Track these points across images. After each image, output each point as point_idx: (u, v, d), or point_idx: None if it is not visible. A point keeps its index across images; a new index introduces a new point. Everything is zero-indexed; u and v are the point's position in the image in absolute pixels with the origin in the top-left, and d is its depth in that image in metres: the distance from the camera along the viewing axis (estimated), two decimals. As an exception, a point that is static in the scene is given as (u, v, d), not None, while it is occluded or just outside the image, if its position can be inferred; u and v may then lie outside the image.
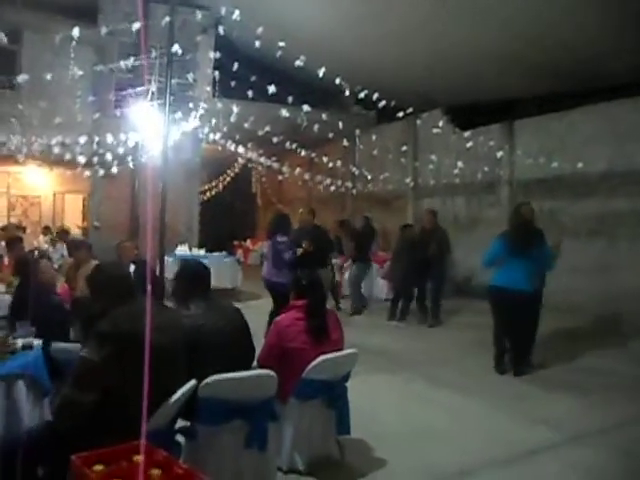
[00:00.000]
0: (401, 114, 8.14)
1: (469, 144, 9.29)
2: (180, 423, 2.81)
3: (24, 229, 11.54)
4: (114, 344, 2.31)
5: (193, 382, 2.59)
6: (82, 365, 2.33)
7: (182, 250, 10.39)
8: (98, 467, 1.80)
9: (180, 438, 2.76)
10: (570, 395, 4.92)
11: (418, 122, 10.51)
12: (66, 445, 2.18)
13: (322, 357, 3.08)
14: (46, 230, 12.32)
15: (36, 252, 8.06)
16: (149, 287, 1.75)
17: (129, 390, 2.28)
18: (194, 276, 3.12)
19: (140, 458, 1.85)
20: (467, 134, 9.66)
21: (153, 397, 1.74)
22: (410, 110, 8.39)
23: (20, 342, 3.05)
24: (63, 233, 11.02)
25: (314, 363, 3.06)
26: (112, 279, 2.62)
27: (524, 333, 5.53)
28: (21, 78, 6.75)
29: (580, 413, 4.52)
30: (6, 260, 5.92)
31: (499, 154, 9.65)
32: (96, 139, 9.12)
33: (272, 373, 2.86)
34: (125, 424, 2.19)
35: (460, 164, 9.49)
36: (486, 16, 8.31)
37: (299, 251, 6.41)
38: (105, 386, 2.31)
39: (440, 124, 9.60)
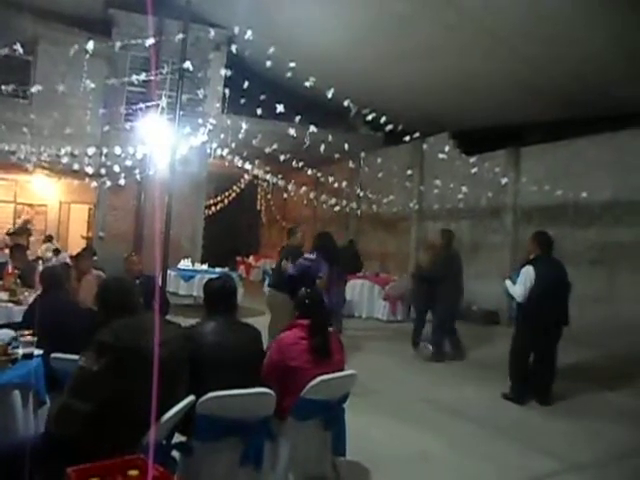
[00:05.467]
0: (408, 138, 8.17)
1: (474, 169, 9.30)
2: (176, 438, 2.80)
3: (30, 232, 11.66)
4: (112, 355, 2.30)
5: (191, 398, 2.59)
6: (80, 374, 2.33)
7: (185, 265, 10.38)
8: (93, 480, 1.79)
9: (176, 453, 2.75)
10: (571, 425, 4.89)
11: (424, 146, 10.57)
12: (61, 456, 2.17)
13: (320, 377, 3.07)
14: (48, 239, 12.37)
15: (40, 261, 8.11)
16: (156, 303, 1.76)
17: (126, 402, 2.28)
18: (216, 292, 3.15)
19: (135, 473, 1.85)
20: (473, 159, 9.69)
21: (151, 411, 1.75)
22: (417, 134, 8.44)
23: (21, 351, 3.05)
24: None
25: (312, 383, 3.04)
26: (118, 292, 2.64)
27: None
28: (35, 88, 6.83)
29: (580, 443, 4.47)
30: (9, 268, 5.92)
31: (504, 180, 9.67)
32: (104, 151, 9.21)
33: (271, 392, 2.85)
34: (120, 436, 2.20)
35: (465, 189, 9.51)
36: (495, 43, 8.41)
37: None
38: (102, 397, 2.30)
39: (446, 149, 9.62)
